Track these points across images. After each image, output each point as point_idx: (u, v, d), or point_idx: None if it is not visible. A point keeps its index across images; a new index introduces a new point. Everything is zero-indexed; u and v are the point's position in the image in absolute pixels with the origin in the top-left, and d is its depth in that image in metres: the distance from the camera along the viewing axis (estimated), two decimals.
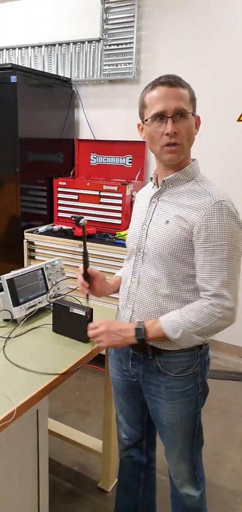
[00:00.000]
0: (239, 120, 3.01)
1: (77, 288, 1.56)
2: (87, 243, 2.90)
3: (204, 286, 1.22)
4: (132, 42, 3.29)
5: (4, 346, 1.55)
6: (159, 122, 1.23)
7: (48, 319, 1.77)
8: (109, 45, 3.41)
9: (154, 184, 1.37)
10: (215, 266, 1.20)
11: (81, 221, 1.37)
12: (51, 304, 1.75)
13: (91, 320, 1.63)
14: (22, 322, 1.73)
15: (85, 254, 1.44)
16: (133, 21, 3.25)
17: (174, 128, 1.21)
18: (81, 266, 1.46)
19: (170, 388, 1.34)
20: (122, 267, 1.53)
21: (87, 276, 1.46)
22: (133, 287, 1.36)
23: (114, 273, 2.80)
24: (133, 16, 3.24)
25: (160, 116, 1.22)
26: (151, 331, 1.27)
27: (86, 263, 1.45)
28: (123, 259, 2.74)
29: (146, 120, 1.26)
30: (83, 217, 3.20)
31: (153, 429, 1.59)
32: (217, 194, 1.22)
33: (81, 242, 2.92)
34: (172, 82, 1.22)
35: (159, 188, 1.32)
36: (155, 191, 1.34)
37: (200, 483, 1.48)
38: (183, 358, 1.32)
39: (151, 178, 1.39)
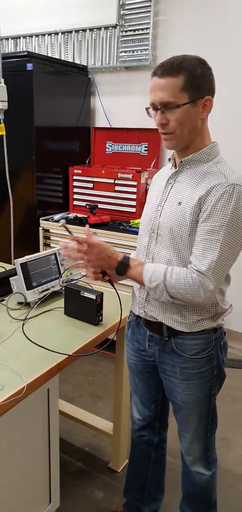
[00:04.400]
0: None
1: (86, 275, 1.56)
2: (102, 231, 2.97)
3: (193, 261, 1.23)
4: (149, 28, 3.26)
5: (17, 328, 1.60)
6: (154, 112, 1.26)
7: (60, 303, 1.82)
8: (126, 31, 3.39)
9: (172, 165, 1.38)
10: (208, 247, 1.20)
11: (61, 222, 1.43)
12: (63, 288, 1.78)
13: (101, 303, 1.66)
14: (35, 305, 1.78)
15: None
16: (149, 6, 3.22)
17: (161, 119, 1.23)
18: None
19: (185, 369, 1.37)
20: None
21: None
22: None
23: None
24: (150, 0, 3.20)
25: (153, 107, 1.25)
26: (132, 272, 1.31)
27: None
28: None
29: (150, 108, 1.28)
30: (96, 206, 3.21)
31: (166, 410, 1.63)
32: (232, 177, 1.21)
33: (95, 230, 2.97)
34: (160, 73, 1.20)
35: (177, 168, 1.33)
36: (173, 172, 1.35)
37: (212, 464, 1.51)
38: (198, 341, 1.34)
39: (169, 159, 1.39)
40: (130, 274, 1.32)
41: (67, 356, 1.42)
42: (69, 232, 1.40)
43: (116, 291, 1.43)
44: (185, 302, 1.26)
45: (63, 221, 1.47)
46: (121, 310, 1.44)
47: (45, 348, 1.44)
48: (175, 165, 1.36)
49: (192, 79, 1.20)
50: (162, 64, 1.22)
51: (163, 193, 1.36)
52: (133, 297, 1.50)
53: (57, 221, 3.17)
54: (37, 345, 1.47)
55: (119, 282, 1.45)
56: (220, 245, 1.19)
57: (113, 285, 1.41)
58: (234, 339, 3.22)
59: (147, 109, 1.29)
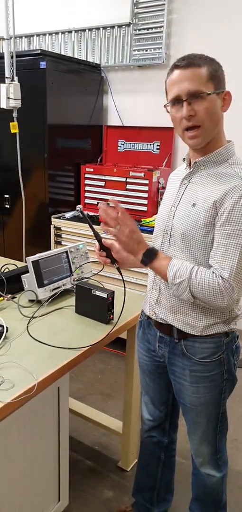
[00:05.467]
0: None
1: (100, 265, 1.56)
2: (113, 229, 2.95)
3: (214, 265, 1.21)
4: (162, 26, 3.24)
5: (28, 325, 1.60)
6: (177, 106, 1.22)
7: (72, 301, 1.82)
8: (139, 30, 3.38)
9: (187, 165, 1.36)
10: (228, 251, 1.18)
11: (78, 208, 1.47)
12: (75, 286, 1.78)
13: (112, 302, 1.66)
14: (47, 303, 1.79)
15: (93, 230, 1.45)
16: (164, 4, 3.20)
17: (189, 111, 1.19)
18: (96, 243, 1.47)
19: (194, 372, 1.35)
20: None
21: (103, 247, 1.46)
22: None
23: None
24: None
25: (177, 101, 1.21)
26: (158, 263, 1.28)
27: (97, 237, 1.45)
28: None
29: (168, 105, 1.26)
30: (108, 204, 3.24)
31: (177, 411, 1.62)
32: None
33: (105, 228, 2.96)
34: (185, 64, 1.19)
35: (191, 169, 1.31)
36: (187, 173, 1.33)
37: (222, 466, 1.50)
38: (208, 344, 1.33)
39: (184, 159, 1.37)
40: (155, 265, 1.29)
41: (79, 353, 1.42)
42: (86, 218, 1.41)
43: (124, 281, 1.44)
44: (206, 303, 1.24)
45: (80, 206, 1.48)
46: (125, 298, 1.44)
47: (52, 346, 1.44)
48: (190, 165, 1.34)
49: (215, 71, 1.20)
50: (183, 58, 1.21)
51: (177, 194, 1.35)
52: (146, 296, 1.49)
53: (69, 218, 3.18)
54: (43, 343, 1.46)
55: (132, 281, 1.44)
56: (240, 250, 1.17)
57: (121, 274, 1.42)
58: None
59: (166, 105, 1.26)
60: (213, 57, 1.24)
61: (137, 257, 1.30)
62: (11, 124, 2.84)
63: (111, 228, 1.29)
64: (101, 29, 3.55)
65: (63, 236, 3.22)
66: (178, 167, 1.48)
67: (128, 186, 3.14)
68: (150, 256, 1.29)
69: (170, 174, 1.50)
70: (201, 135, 1.22)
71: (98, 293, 1.66)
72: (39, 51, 3.01)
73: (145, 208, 3.09)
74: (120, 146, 3.58)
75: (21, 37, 3.97)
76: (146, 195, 3.07)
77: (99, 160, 3.57)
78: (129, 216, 1.29)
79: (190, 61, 1.19)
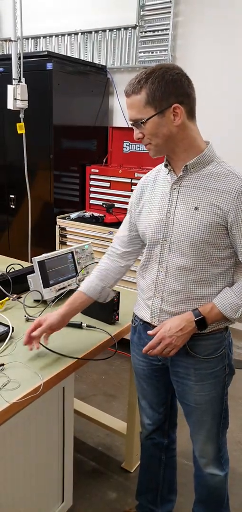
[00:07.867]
0: None
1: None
2: (116, 230, 2.95)
3: None
4: (168, 28, 3.24)
5: None
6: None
7: None
8: (145, 32, 3.39)
9: (170, 170, 1.34)
10: None
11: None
12: None
13: (118, 303, 1.66)
14: (52, 303, 1.79)
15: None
16: (170, 7, 3.21)
17: (137, 134, 1.28)
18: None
19: (199, 370, 1.36)
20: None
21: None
22: (161, 276, 1.35)
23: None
24: (170, 1, 3.19)
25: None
26: (210, 317, 1.30)
27: None
28: None
29: None
30: (113, 205, 3.19)
31: (175, 410, 1.62)
32: None
33: (111, 229, 2.97)
34: (127, 92, 1.24)
35: (181, 173, 1.30)
36: (175, 177, 1.31)
37: (224, 464, 1.50)
38: (212, 341, 1.34)
39: (166, 165, 1.34)
40: (211, 321, 1.31)
41: (84, 353, 1.42)
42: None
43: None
44: None
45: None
46: None
47: (56, 353, 1.43)
48: (173, 170, 1.33)
49: (155, 92, 1.20)
50: (129, 83, 1.25)
51: (169, 200, 1.32)
52: (138, 302, 1.47)
53: (74, 219, 3.19)
54: (49, 349, 1.45)
55: (134, 282, 1.45)
56: None
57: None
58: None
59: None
60: (169, 66, 1.23)
61: (194, 331, 1.31)
62: (17, 125, 2.85)
63: (163, 352, 1.32)
64: (107, 31, 3.56)
65: (68, 236, 3.23)
66: (154, 168, 1.45)
67: (134, 187, 3.13)
68: (202, 322, 1.30)
69: (143, 181, 1.45)
70: (152, 149, 1.29)
71: None
72: (46, 53, 3.03)
73: None
74: (126, 147, 3.58)
75: (27, 38, 3.98)
76: None
77: (104, 161, 3.58)
78: (160, 330, 1.31)
79: (131, 89, 1.23)
